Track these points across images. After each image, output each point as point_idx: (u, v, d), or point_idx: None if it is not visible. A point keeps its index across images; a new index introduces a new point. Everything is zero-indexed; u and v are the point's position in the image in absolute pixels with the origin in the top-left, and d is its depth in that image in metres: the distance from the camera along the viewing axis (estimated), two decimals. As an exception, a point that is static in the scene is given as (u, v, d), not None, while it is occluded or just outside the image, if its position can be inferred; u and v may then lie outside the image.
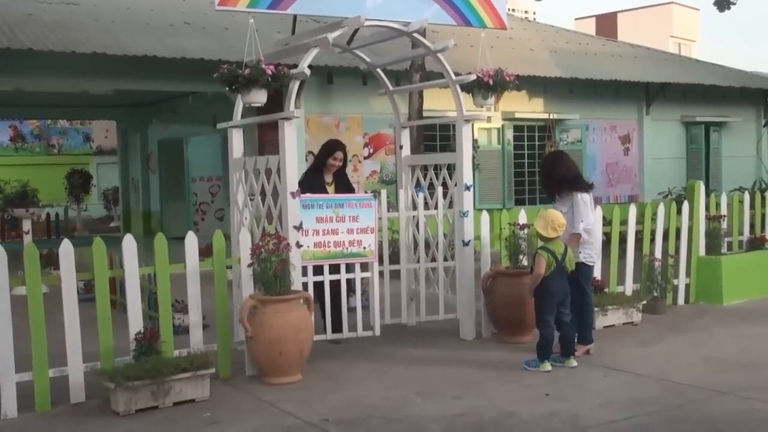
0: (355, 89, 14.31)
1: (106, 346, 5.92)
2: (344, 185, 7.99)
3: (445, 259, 8.03)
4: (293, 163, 6.66)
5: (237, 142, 7.49)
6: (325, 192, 7.67)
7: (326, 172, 7.88)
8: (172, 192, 19.52)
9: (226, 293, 6.51)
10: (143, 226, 20.32)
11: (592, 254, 7.02)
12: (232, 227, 7.39)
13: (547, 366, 6.48)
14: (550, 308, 6.56)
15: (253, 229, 7.09)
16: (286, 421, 5.39)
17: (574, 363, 6.58)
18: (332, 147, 7.97)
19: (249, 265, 6.43)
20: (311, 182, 7.62)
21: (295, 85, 6.72)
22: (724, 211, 9.84)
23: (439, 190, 7.99)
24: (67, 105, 19.86)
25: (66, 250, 5.88)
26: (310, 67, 6.80)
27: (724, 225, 9.74)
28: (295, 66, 6.83)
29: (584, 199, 6.93)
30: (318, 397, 5.89)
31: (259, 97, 6.45)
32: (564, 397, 5.77)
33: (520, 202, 16.22)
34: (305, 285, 6.92)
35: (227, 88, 6.52)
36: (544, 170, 7.17)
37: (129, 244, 6.11)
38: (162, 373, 5.63)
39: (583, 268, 6.97)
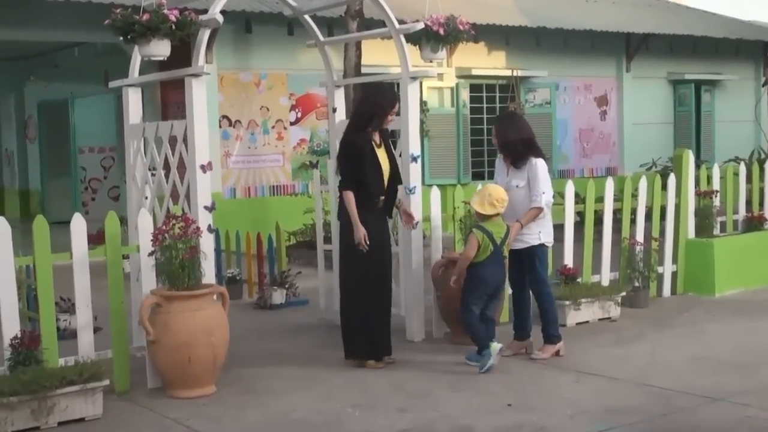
0: (278, 40, 14.24)
1: (-26, 354, 5.85)
2: (391, 146, 7.44)
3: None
4: (203, 129, 6.62)
5: (134, 104, 7.40)
6: (377, 159, 7.06)
7: (373, 131, 7.16)
8: (55, 166, 19.27)
9: (122, 288, 6.45)
10: (20, 208, 20.04)
11: (551, 233, 7.09)
12: (129, 208, 7.32)
13: (495, 347, 6.58)
14: (479, 298, 6.71)
15: (155, 210, 7.03)
16: (197, 442, 5.40)
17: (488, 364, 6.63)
18: (393, 98, 7.21)
19: (150, 254, 6.38)
20: (362, 145, 7.05)
21: (204, 35, 6.66)
22: (716, 185, 10.01)
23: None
24: None
25: None
26: (223, 12, 6.74)
27: (717, 202, 9.92)
28: (205, 11, 6.76)
29: (543, 166, 6.99)
30: (235, 413, 5.89)
31: (161, 48, 6.37)
32: (529, 406, 5.85)
33: (478, 177, 16.33)
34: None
35: (121, 38, 6.44)
36: (500, 134, 7.07)
37: (1, 229, 6.02)
38: (44, 386, 5.57)
39: (542, 251, 7.05)
